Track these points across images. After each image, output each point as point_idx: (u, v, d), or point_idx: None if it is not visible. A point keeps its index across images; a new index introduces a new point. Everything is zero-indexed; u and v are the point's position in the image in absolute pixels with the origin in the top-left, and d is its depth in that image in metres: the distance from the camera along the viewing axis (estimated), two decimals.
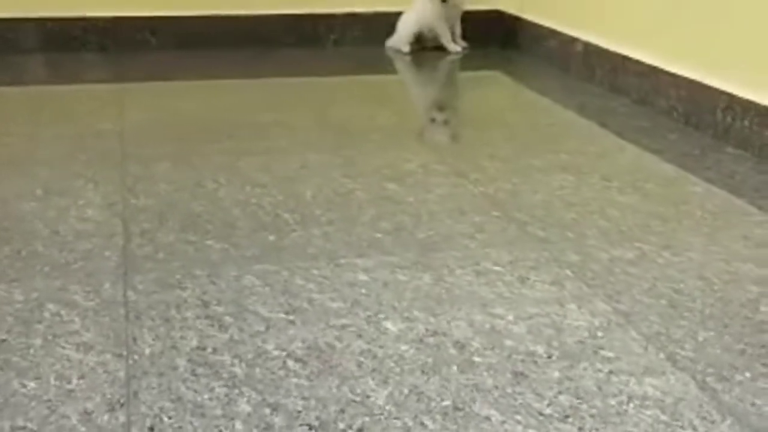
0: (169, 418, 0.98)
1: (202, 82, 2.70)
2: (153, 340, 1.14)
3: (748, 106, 1.94)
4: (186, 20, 3.13)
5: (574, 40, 2.73)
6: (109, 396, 1.02)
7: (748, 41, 1.97)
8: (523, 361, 1.11)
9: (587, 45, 2.65)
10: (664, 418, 0.99)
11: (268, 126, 2.17)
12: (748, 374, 1.08)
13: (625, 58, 2.46)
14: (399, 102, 2.50)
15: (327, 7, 3.20)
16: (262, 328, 1.18)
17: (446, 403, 1.02)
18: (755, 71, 1.95)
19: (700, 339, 1.16)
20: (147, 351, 1.12)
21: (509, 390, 1.05)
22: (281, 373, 1.07)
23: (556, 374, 1.08)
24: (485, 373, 1.08)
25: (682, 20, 2.23)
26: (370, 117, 2.28)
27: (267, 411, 0.99)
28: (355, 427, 0.97)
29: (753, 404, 1.02)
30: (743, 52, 1.99)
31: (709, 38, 2.11)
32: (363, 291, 1.29)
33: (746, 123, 1.96)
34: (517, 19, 3.18)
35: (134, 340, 1.14)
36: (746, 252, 1.44)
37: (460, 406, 1.01)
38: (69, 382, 1.04)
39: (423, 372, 1.08)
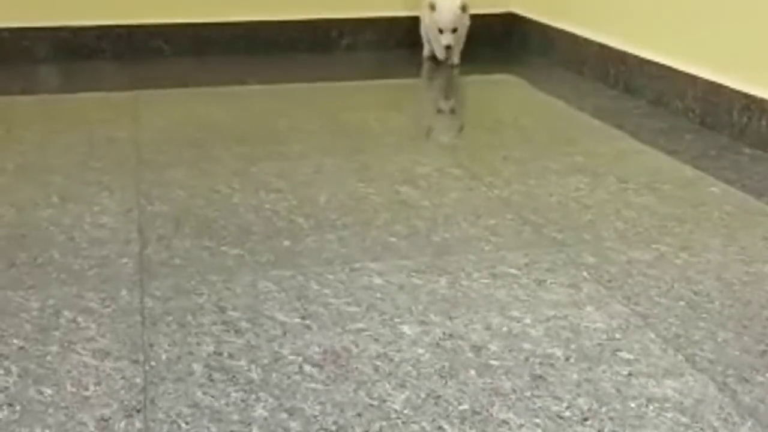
0: (186, 423, 0.98)
1: (216, 88, 2.71)
2: (169, 346, 1.14)
3: (765, 105, 1.93)
4: (199, 27, 3.14)
5: (588, 42, 2.72)
6: (126, 402, 1.02)
7: (764, 41, 1.95)
8: (540, 364, 1.11)
9: (602, 46, 2.64)
10: (684, 420, 0.98)
11: (282, 131, 2.17)
12: None
13: (641, 60, 2.44)
14: (412, 106, 2.50)
15: (339, 12, 3.21)
16: (279, 333, 1.17)
17: (464, 407, 1.01)
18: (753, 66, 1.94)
19: (720, 340, 1.15)
20: (164, 357, 1.11)
21: (527, 393, 1.04)
22: (297, 377, 1.07)
23: (575, 377, 1.07)
24: (503, 377, 1.08)
25: (697, 21, 2.22)
26: (384, 121, 2.28)
27: (284, 416, 0.99)
28: (372, 431, 0.96)
29: None
30: (759, 51, 1.97)
31: (725, 38, 2.10)
32: (378, 295, 1.29)
33: (763, 123, 1.94)
34: (530, 22, 3.18)
35: (151, 346, 1.14)
36: (765, 252, 1.43)
37: (478, 410, 1.01)
38: (86, 389, 1.04)
39: (440, 376, 1.08)
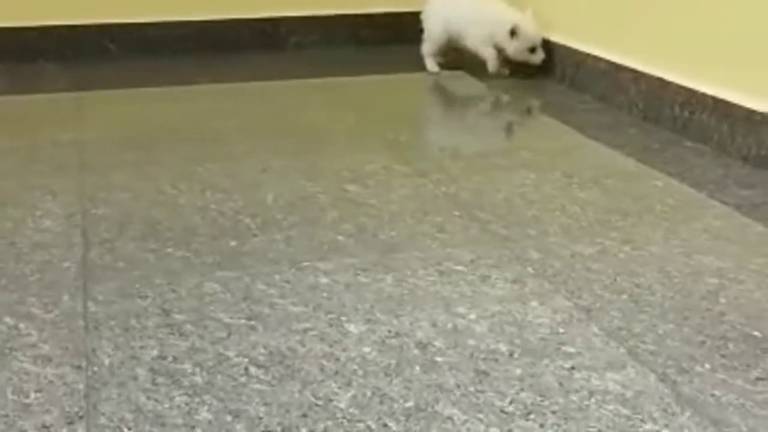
0: (129, 429, 0.97)
1: (162, 88, 2.68)
2: (113, 350, 1.13)
3: (707, 100, 1.96)
4: (145, 27, 3.10)
5: None
6: (67, 409, 1.00)
7: (705, 36, 1.99)
8: (485, 359, 1.12)
9: (548, 43, 2.66)
10: (625, 412, 1.00)
11: (229, 131, 2.16)
12: (707, 365, 1.09)
13: (586, 55, 2.47)
14: (361, 104, 2.50)
15: (287, 11, 3.19)
16: (224, 335, 1.17)
17: (409, 404, 1.02)
18: (713, 66, 1.97)
19: (660, 332, 1.17)
20: (106, 362, 1.10)
21: (471, 389, 1.05)
22: (243, 379, 1.06)
23: (518, 371, 1.08)
24: (448, 373, 1.08)
25: (640, 17, 2.25)
26: (332, 120, 2.28)
27: (228, 418, 0.99)
28: (317, 431, 0.97)
29: (712, 395, 1.02)
30: (700, 46, 2.01)
31: (667, 34, 2.13)
32: (325, 294, 1.29)
33: (704, 117, 1.98)
34: None
35: (93, 351, 1.13)
36: (706, 245, 1.45)
37: (423, 406, 1.01)
38: (27, 396, 1.03)
39: (386, 374, 1.08)
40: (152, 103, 2.48)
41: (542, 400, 1.02)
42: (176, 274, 1.35)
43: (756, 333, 1.16)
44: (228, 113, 2.34)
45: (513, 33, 2.63)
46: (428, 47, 2.86)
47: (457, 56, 2.85)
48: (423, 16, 2.89)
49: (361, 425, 0.98)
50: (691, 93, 2.01)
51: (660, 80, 2.13)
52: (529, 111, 2.49)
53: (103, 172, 1.84)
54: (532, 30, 2.66)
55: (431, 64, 2.87)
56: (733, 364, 1.09)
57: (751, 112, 1.82)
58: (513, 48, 2.67)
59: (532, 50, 2.67)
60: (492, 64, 2.73)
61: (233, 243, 1.47)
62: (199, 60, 3.03)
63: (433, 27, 2.84)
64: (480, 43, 2.74)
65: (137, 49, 3.10)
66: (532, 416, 0.99)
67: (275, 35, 3.21)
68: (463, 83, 2.79)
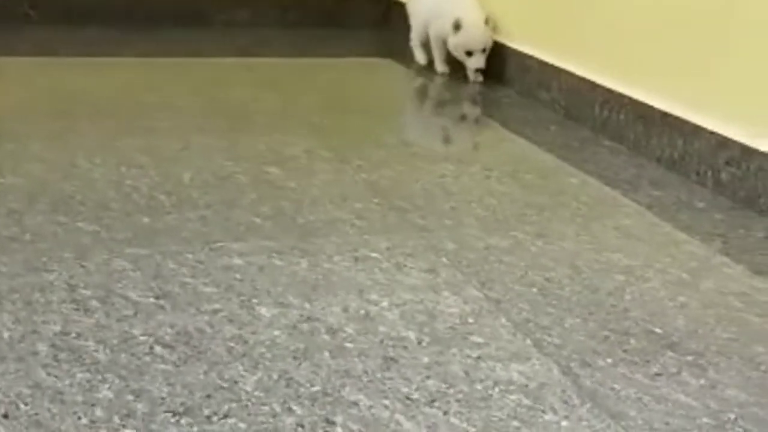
0: (26, 404, 0.94)
1: (84, 59, 2.61)
2: (13, 324, 1.10)
3: (624, 100, 2.01)
4: None
5: None
6: None
7: (625, 38, 2.03)
8: (394, 346, 1.12)
9: None
10: (527, 402, 1.02)
11: (152, 106, 2.12)
12: (609, 360, 1.11)
13: (512, 51, 2.50)
14: (286, 85, 2.48)
15: None
16: (130, 313, 1.15)
17: (315, 388, 1.02)
18: (631, 67, 2.02)
19: (566, 326, 1.20)
20: (6, 335, 1.07)
21: (379, 375, 1.05)
22: (147, 359, 1.05)
23: (426, 359, 1.09)
24: (356, 359, 1.09)
25: (564, 16, 2.29)
26: (256, 101, 2.25)
27: (130, 397, 0.97)
28: (220, 413, 0.96)
29: (612, 389, 1.05)
30: (619, 47, 2.05)
31: (590, 33, 2.17)
32: (237, 276, 1.28)
33: (622, 117, 2.02)
34: (400, 5, 3.20)
35: None
36: (616, 242, 1.49)
37: (329, 391, 1.01)
38: None
39: (294, 358, 1.08)
40: (74, 74, 2.42)
41: (447, 388, 1.03)
42: (85, 249, 1.32)
43: (657, 330, 1.19)
44: (151, 88, 2.29)
45: (456, 27, 2.48)
46: (413, 37, 2.78)
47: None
48: (408, 9, 2.81)
49: (266, 408, 0.97)
50: (610, 93, 2.05)
51: (581, 79, 2.17)
52: (453, 103, 2.50)
53: (16, 141, 1.78)
54: (477, 32, 2.48)
55: (418, 54, 2.77)
56: (633, 359, 1.12)
57: (665, 114, 1.87)
58: (452, 43, 2.52)
59: (470, 53, 2.51)
60: (438, 61, 2.64)
61: (146, 220, 1.44)
62: (124, 32, 2.96)
63: (413, 15, 2.75)
64: (435, 36, 2.63)
65: (59, 16, 3.01)
66: (436, 403, 1.00)
67: (203, 12, 3.16)
68: (390, 71, 2.80)
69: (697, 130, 1.78)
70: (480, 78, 2.54)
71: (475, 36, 2.48)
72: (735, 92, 1.71)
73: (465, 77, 2.57)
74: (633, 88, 1.99)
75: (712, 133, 1.74)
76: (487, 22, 2.48)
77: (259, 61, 2.76)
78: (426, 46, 2.72)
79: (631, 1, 2.02)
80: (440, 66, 2.66)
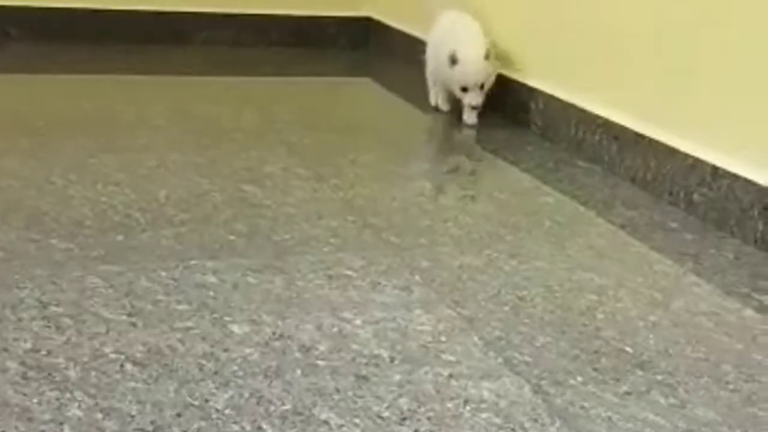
0: None
1: (63, 76, 2.61)
2: None
3: (598, 121, 2.03)
4: (49, 12, 3.02)
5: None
6: None
7: (599, 58, 2.06)
8: (366, 364, 1.12)
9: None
10: (497, 420, 1.02)
11: (129, 123, 2.12)
12: (579, 378, 1.12)
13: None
14: (264, 104, 2.48)
15: (196, 6, 3.16)
16: (102, 330, 1.14)
17: (286, 407, 1.02)
18: (604, 87, 2.04)
19: (538, 344, 1.20)
20: None
21: (350, 393, 1.05)
22: (117, 376, 1.04)
23: (398, 377, 1.10)
24: (328, 377, 1.09)
25: (537, 36, 2.31)
26: (234, 119, 2.26)
27: (99, 416, 0.96)
28: (190, 431, 0.95)
29: (582, 407, 1.06)
30: (595, 68, 2.07)
31: (563, 54, 2.19)
32: (211, 293, 1.28)
33: (596, 138, 2.04)
34: (388, 28, 3.22)
35: None
36: (589, 262, 1.50)
37: (300, 410, 1.01)
38: None
39: (266, 376, 1.08)
40: (50, 90, 2.42)
41: (418, 407, 1.04)
42: (58, 266, 1.31)
43: (628, 349, 1.20)
44: (129, 105, 2.29)
45: (452, 60, 2.23)
46: (428, 79, 2.49)
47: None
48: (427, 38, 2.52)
49: (236, 427, 0.97)
50: (584, 113, 2.07)
51: (557, 99, 2.19)
52: (431, 123, 2.52)
53: None
54: (471, 66, 2.23)
55: (432, 95, 2.48)
56: (604, 378, 1.13)
57: (639, 135, 1.89)
58: (447, 78, 2.28)
59: (465, 89, 2.26)
60: (432, 94, 2.44)
61: (120, 237, 1.44)
62: (105, 50, 2.96)
63: (428, 55, 2.45)
64: (432, 70, 2.40)
65: (40, 34, 3.01)
66: (407, 422, 1.00)
67: (183, 30, 3.16)
68: (369, 91, 2.81)
69: (671, 151, 1.80)
70: (473, 119, 2.30)
71: (470, 71, 2.23)
72: (707, 114, 1.74)
73: (460, 118, 2.36)
74: (606, 108, 2.01)
75: (684, 154, 1.76)
76: (487, 56, 2.23)
77: (238, 79, 2.76)
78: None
79: (605, 21, 2.04)
80: (443, 105, 2.45)
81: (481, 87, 2.25)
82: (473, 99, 2.26)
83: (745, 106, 1.64)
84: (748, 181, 1.60)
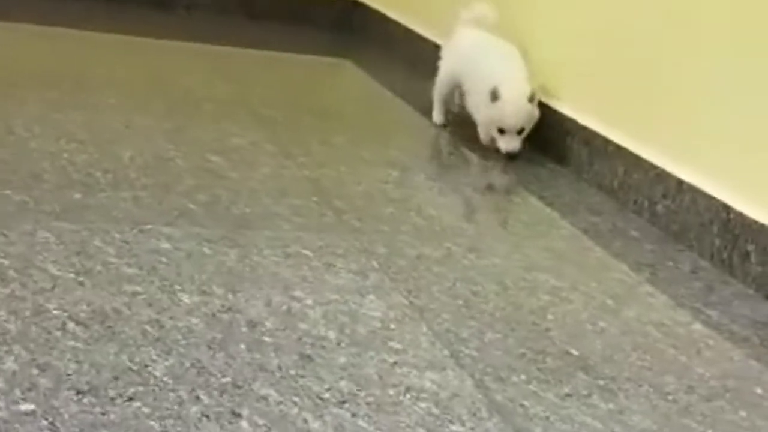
0: None
1: (38, 27, 2.56)
2: None
3: (570, 124, 2.03)
4: None
5: (421, 39, 2.77)
6: None
7: (572, 64, 2.06)
8: (312, 345, 1.12)
9: (436, 45, 2.69)
10: (435, 411, 1.02)
11: (100, 82, 2.09)
12: (523, 376, 1.12)
13: None
14: (240, 76, 2.46)
15: None
16: (48, 287, 1.13)
17: (226, 379, 1.01)
18: (580, 93, 2.04)
19: (486, 340, 1.20)
20: None
21: (292, 372, 1.05)
22: (58, 334, 1.03)
23: (342, 360, 1.09)
24: (272, 354, 1.08)
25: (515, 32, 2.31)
26: (208, 88, 2.24)
27: (34, 371, 0.95)
28: (125, 395, 0.94)
29: (521, 405, 1.06)
30: (568, 74, 2.08)
31: (536, 60, 2.19)
32: (163, 260, 1.26)
33: (567, 140, 2.04)
34: (372, 11, 3.20)
35: None
36: (546, 263, 1.50)
37: (240, 383, 1.00)
38: None
39: (209, 347, 1.07)
40: (24, 41, 2.38)
41: (359, 391, 1.03)
42: (10, 218, 1.29)
43: (574, 351, 1.21)
44: (101, 64, 2.26)
45: (494, 96, 1.96)
46: (435, 92, 2.25)
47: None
48: (441, 53, 2.29)
49: (173, 395, 0.96)
50: (555, 113, 2.07)
51: None
52: (408, 110, 2.51)
53: None
54: (511, 107, 1.96)
55: (436, 114, 2.25)
56: (547, 378, 1.13)
57: (608, 142, 1.90)
58: (483, 115, 2.03)
59: (502, 131, 1.99)
60: (482, 130, 2.07)
61: (78, 195, 1.42)
62: (84, 6, 2.91)
63: (443, 68, 2.24)
64: (473, 102, 2.10)
65: None
66: (346, 405, 1.00)
67: None
68: (347, 72, 2.80)
69: (638, 160, 1.81)
70: (513, 146, 1.99)
71: (512, 113, 1.97)
72: (674, 126, 1.75)
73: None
74: (574, 109, 2.02)
75: (651, 165, 1.77)
76: (531, 98, 1.98)
77: (217, 49, 2.74)
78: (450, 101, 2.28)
79: (576, 31, 2.04)
80: (438, 117, 2.26)
81: (520, 131, 2.00)
82: (509, 144, 1.98)
83: (716, 124, 1.65)
84: (710, 197, 1.62)
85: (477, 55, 2.12)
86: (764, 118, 1.55)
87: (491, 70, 2.03)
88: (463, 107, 2.18)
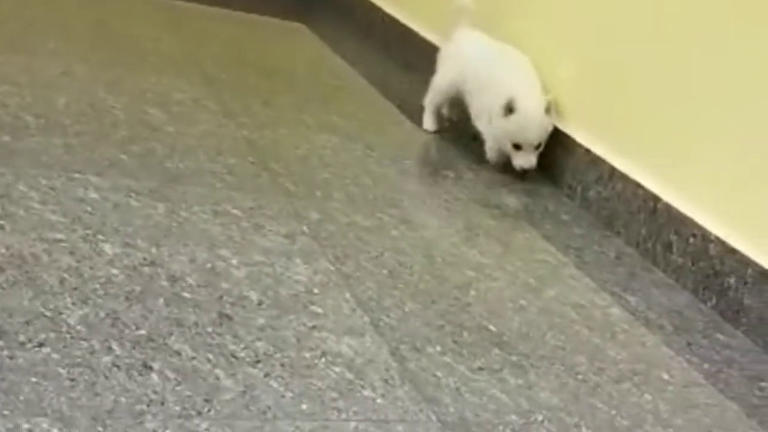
0: None
1: None
2: None
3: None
4: None
5: (375, 9, 2.76)
6: None
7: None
8: (232, 304, 1.12)
9: (385, 16, 2.69)
10: (349, 376, 1.03)
11: (41, 26, 2.04)
12: (438, 348, 1.14)
13: (417, 36, 2.51)
14: (189, 31, 2.43)
15: None
16: None
17: (141, 332, 1.01)
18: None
19: (406, 310, 1.22)
20: None
21: (209, 329, 1.05)
22: None
23: (261, 321, 1.10)
24: (190, 310, 1.08)
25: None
26: (155, 41, 2.20)
27: None
28: (36, 340, 0.94)
29: (434, 375, 1.08)
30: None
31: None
32: (89, 209, 1.25)
33: None
34: None
35: None
36: (476, 239, 1.52)
37: (154, 337, 1.00)
38: None
39: (127, 299, 1.06)
40: None
41: (275, 352, 1.04)
42: None
43: (492, 327, 1.23)
44: (44, 8, 2.21)
45: (509, 110, 1.82)
46: (430, 98, 2.08)
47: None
48: (439, 55, 2.13)
49: (84, 344, 0.96)
50: None
51: None
52: (354, 78, 2.50)
53: None
54: (534, 122, 1.82)
55: (428, 120, 2.07)
56: (461, 351, 1.15)
57: None
58: (497, 127, 1.86)
59: (518, 146, 1.84)
60: (490, 148, 1.92)
61: (6, 138, 1.39)
62: None
63: (442, 75, 2.07)
64: (480, 115, 1.94)
65: None
66: (260, 365, 1.01)
67: None
68: (300, 36, 2.78)
69: (574, 144, 1.83)
70: (530, 163, 1.85)
71: (529, 127, 1.83)
72: (612, 115, 1.77)
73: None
74: None
75: (586, 150, 1.79)
76: (548, 110, 1.83)
77: (170, 2, 2.69)
78: (451, 107, 2.10)
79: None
80: (430, 125, 2.08)
81: (537, 146, 1.86)
82: (526, 161, 1.84)
83: (653, 116, 1.68)
84: (639, 186, 1.65)
85: (485, 63, 1.95)
86: (698, 113, 1.58)
87: (502, 80, 1.88)
88: (451, 119, 2.10)
